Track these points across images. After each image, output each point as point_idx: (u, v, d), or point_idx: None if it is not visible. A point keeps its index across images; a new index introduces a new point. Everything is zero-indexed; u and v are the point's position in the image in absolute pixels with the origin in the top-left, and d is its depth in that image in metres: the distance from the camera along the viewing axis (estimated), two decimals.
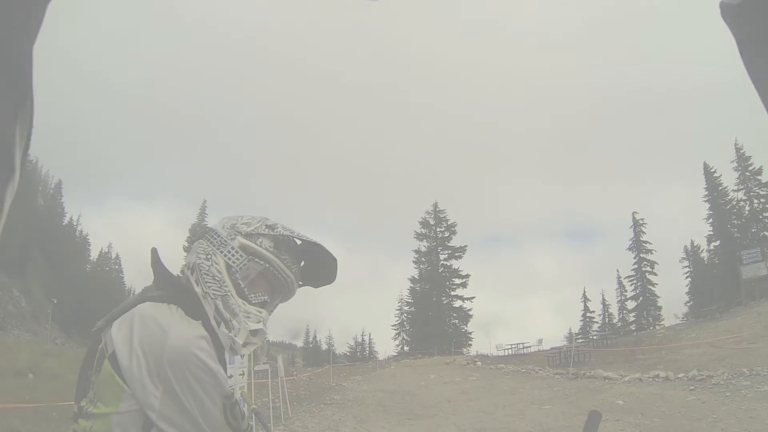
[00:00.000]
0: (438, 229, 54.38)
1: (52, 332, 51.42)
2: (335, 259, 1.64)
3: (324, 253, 1.61)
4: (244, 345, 1.38)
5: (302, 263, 1.59)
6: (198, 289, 1.36)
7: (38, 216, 60.54)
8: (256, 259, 1.45)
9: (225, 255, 1.41)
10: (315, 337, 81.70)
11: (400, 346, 54.35)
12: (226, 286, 1.38)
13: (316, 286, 1.71)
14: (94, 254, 69.91)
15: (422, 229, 54.73)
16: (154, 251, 1.43)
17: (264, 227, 1.48)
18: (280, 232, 1.52)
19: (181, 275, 1.43)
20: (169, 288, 1.36)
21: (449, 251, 53.81)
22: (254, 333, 1.40)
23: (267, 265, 1.46)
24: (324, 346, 77.87)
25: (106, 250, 71.56)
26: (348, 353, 68.76)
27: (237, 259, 1.42)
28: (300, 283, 1.61)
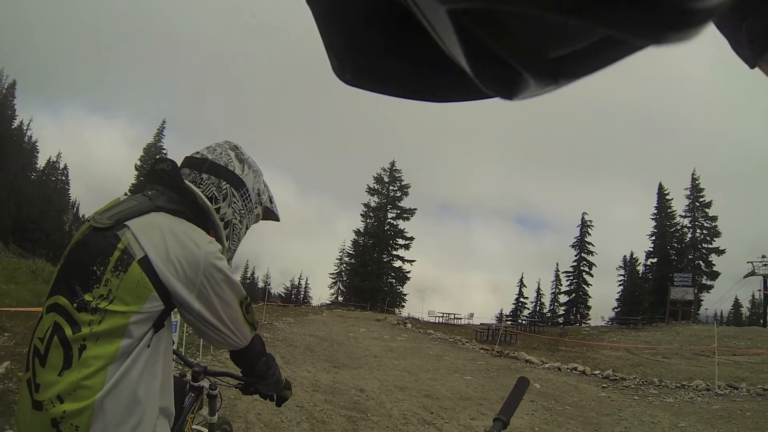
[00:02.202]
0: (391, 188, 54.28)
1: None
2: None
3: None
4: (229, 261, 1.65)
5: None
6: (226, 242, 1.63)
7: None
8: (257, 216, 1.79)
9: (249, 220, 1.71)
10: (253, 273, 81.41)
11: (335, 295, 54.90)
12: (237, 242, 1.72)
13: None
14: (41, 162, 66.56)
15: (375, 185, 54.54)
16: (173, 163, 1.53)
17: (268, 199, 1.81)
18: (273, 210, 1.87)
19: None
20: (186, 205, 1.48)
21: (398, 211, 53.98)
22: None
23: (257, 219, 1.80)
24: (261, 284, 77.75)
25: (55, 160, 67.78)
26: (283, 294, 69.11)
27: (253, 223, 1.76)
28: None
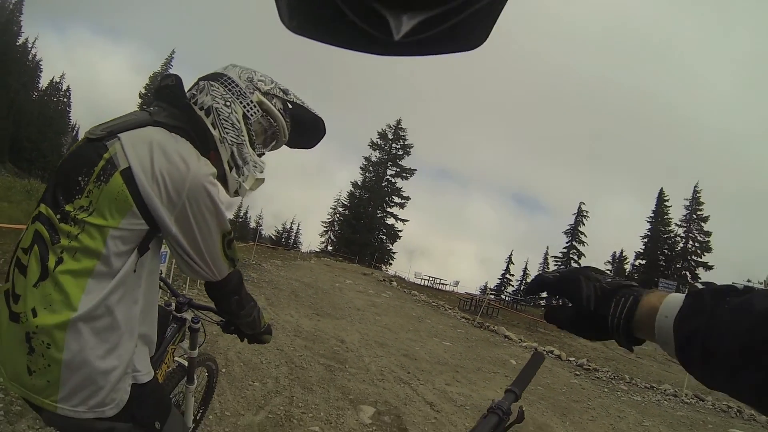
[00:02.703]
0: (394, 145, 54.05)
1: None
2: (324, 133, 1.82)
3: (320, 126, 1.79)
4: (249, 190, 1.55)
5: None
6: (215, 133, 1.43)
7: None
8: (269, 117, 1.59)
9: (243, 106, 1.49)
10: (246, 212, 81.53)
11: (325, 244, 55.42)
12: (243, 136, 1.49)
13: (291, 147, 1.85)
14: (43, 82, 65.16)
15: (378, 140, 54.37)
16: (178, 78, 1.43)
17: (279, 90, 1.60)
18: (292, 99, 1.64)
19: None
20: (186, 122, 1.39)
21: (398, 169, 53.92)
22: (256, 181, 1.57)
23: (275, 124, 1.61)
24: (252, 224, 78.00)
25: (58, 80, 66.51)
26: (273, 237, 69.48)
27: (254, 113, 1.52)
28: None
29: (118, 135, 1.27)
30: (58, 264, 1.19)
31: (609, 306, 0.76)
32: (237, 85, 1.50)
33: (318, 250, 50.08)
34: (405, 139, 54.46)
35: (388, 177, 54.23)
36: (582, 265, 0.91)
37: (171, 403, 1.56)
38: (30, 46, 61.62)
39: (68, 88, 67.18)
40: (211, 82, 1.48)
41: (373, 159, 54.72)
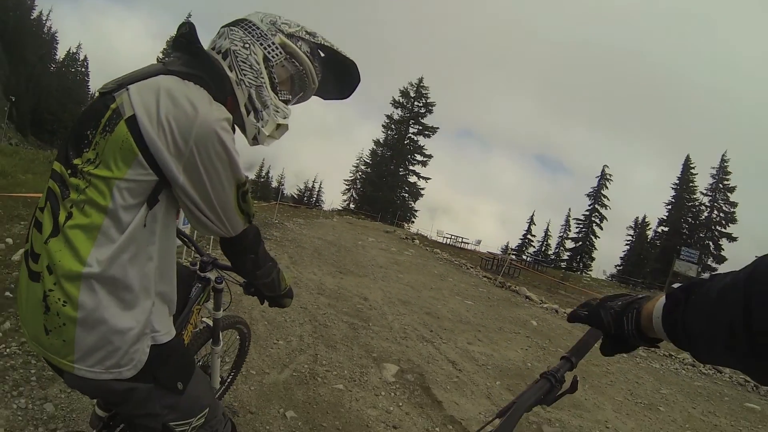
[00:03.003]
0: (416, 103, 53.59)
1: (7, 132, 48.52)
2: (359, 80, 1.72)
3: (353, 71, 1.68)
4: (269, 136, 1.45)
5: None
6: (232, 75, 1.36)
7: (3, 5, 54.36)
8: (294, 60, 1.49)
9: (264, 48, 1.41)
10: (268, 172, 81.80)
11: (347, 202, 55.77)
12: (262, 77, 1.41)
13: (325, 99, 1.77)
14: (60, 53, 65.00)
15: (401, 98, 54.10)
16: (191, 25, 1.35)
17: (305, 32, 1.50)
18: (320, 41, 1.54)
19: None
20: (200, 68, 1.30)
21: (420, 127, 53.61)
22: (278, 127, 1.47)
23: (301, 68, 1.51)
24: (274, 184, 78.32)
25: (74, 51, 66.57)
26: (295, 196, 69.97)
27: (276, 54, 1.43)
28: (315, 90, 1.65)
29: (128, 86, 1.22)
30: (67, 219, 1.18)
31: (622, 325, 0.97)
32: (258, 28, 1.43)
33: (340, 209, 50.41)
34: (427, 97, 54.04)
35: (410, 135, 54.03)
36: (603, 296, 1.12)
37: (195, 363, 1.54)
38: (44, 19, 61.64)
39: (85, 57, 67.78)
40: (232, 27, 1.43)
41: (395, 117, 54.60)
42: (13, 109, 51.14)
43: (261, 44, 1.41)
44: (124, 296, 1.20)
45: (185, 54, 1.34)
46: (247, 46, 1.39)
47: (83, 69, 67.14)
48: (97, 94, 1.31)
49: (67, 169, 1.21)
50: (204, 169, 1.20)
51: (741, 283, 0.67)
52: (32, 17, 59.46)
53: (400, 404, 4.29)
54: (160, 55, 50.42)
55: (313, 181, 75.35)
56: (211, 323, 2.47)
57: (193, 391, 1.43)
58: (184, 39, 1.35)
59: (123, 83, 1.23)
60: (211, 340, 2.49)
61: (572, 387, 1.13)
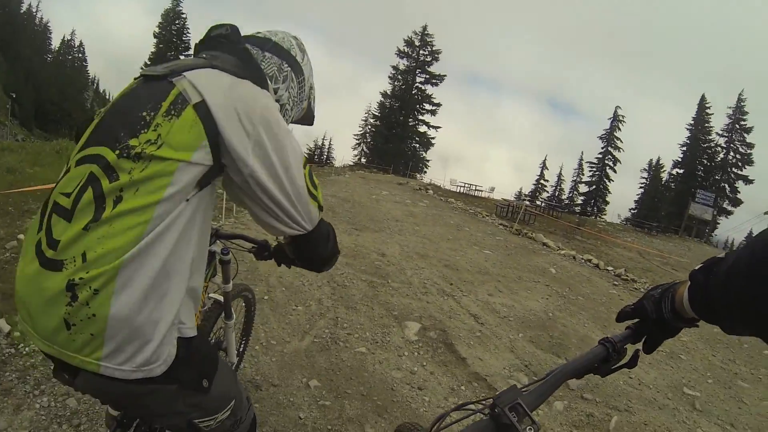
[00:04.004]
0: (421, 52, 52.42)
1: (12, 128, 48.08)
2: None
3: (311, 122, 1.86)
4: None
5: None
6: (273, 85, 1.48)
7: None
8: (308, 101, 1.69)
9: (296, 111, 1.63)
10: None
11: (358, 157, 55.63)
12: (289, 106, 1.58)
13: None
14: (55, 43, 63.77)
15: (406, 48, 53.11)
16: (234, 27, 1.37)
17: (313, 101, 1.72)
18: (313, 112, 1.78)
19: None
20: (243, 69, 1.30)
21: (427, 75, 52.69)
22: None
23: (308, 111, 1.73)
24: None
25: (69, 38, 65.56)
26: (306, 154, 69.66)
27: (293, 121, 1.68)
28: None
29: (183, 73, 1.18)
30: (116, 204, 1.08)
31: (661, 309, 0.99)
32: (304, 91, 1.61)
33: (352, 164, 50.23)
34: (432, 45, 52.88)
35: (417, 84, 53.23)
36: (650, 288, 1.10)
37: (218, 356, 1.42)
38: (35, 11, 60.60)
39: (81, 43, 67.26)
40: (293, 75, 1.53)
41: (402, 67, 53.60)
42: (15, 105, 51.15)
43: (302, 101, 1.62)
44: (161, 284, 1.12)
45: (226, 53, 1.33)
46: (296, 103, 1.58)
47: (80, 55, 66.75)
48: (138, 78, 1.28)
49: (115, 151, 1.12)
50: (273, 149, 1.18)
51: (743, 267, 0.71)
52: (22, 11, 58.58)
53: (424, 364, 4.25)
54: (156, 30, 49.50)
55: (323, 139, 74.72)
56: (220, 298, 2.36)
57: (218, 387, 1.35)
58: (225, 39, 1.35)
59: (175, 70, 1.20)
60: (222, 314, 2.40)
61: (632, 361, 1.07)
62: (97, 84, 68.42)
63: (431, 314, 5.47)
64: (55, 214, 1.14)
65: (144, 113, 1.14)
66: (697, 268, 0.86)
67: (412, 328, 4.95)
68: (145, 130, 1.12)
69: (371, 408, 3.39)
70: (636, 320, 1.10)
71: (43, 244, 1.12)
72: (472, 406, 0.99)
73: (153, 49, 48.37)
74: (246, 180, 1.18)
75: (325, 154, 72.20)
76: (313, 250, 1.38)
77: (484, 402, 0.95)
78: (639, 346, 1.08)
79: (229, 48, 1.33)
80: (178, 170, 1.10)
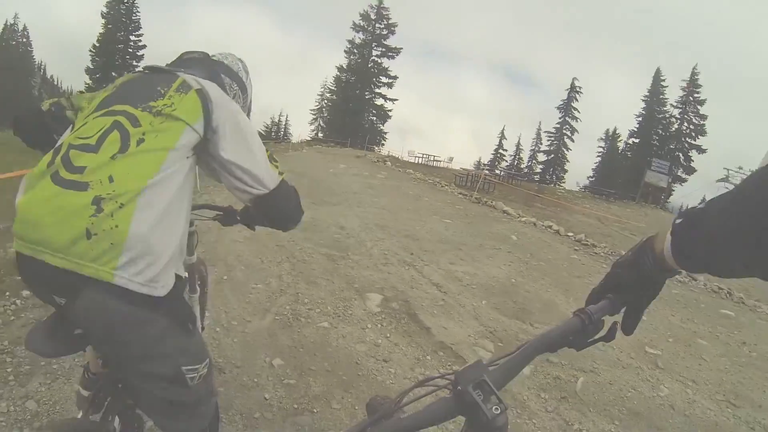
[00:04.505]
0: (377, 25, 51.89)
1: None
2: None
3: None
4: None
5: None
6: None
7: None
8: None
9: (244, 100, 1.90)
10: None
11: (315, 132, 55.24)
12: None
13: None
14: None
15: (361, 21, 52.26)
16: (205, 53, 1.80)
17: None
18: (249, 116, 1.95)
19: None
20: (219, 85, 1.62)
21: (383, 49, 52.25)
22: None
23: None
24: None
25: (12, 23, 61.44)
26: (263, 132, 68.41)
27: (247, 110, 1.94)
28: None
29: (179, 72, 1.52)
30: (139, 143, 1.31)
31: (642, 267, 0.94)
32: (248, 109, 1.93)
33: (309, 139, 49.61)
34: (389, 18, 52.46)
35: (373, 58, 52.90)
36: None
37: (194, 313, 1.61)
38: None
39: (25, 27, 63.33)
40: (240, 93, 1.86)
41: (357, 41, 52.84)
42: None
43: (243, 96, 1.89)
44: (169, 216, 1.31)
45: (202, 72, 1.64)
46: (234, 93, 1.82)
47: (24, 39, 63.25)
48: (142, 70, 1.59)
49: (138, 108, 1.38)
50: (242, 130, 1.48)
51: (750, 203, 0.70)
52: None
53: (388, 335, 4.17)
54: (105, 9, 46.82)
55: (279, 115, 73.27)
56: (184, 273, 2.23)
57: (198, 336, 1.53)
58: (199, 62, 1.73)
59: (173, 70, 1.55)
60: (187, 288, 2.30)
61: (609, 334, 0.98)
62: (44, 69, 64.90)
63: (393, 285, 5.39)
64: (73, 150, 1.30)
65: (159, 88, 1.44)
66: (677, 221, 0.84)
67: (374, 300, 4.85)
68: (162, 98, 1.41)
69: (337, 383, 3.29)
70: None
71: (62, 172, 1.26)
72: (436, 382, 0.90)
73: (101, 30, 45.98)
74: (220, 152, 1.43)
75: (282, 130, 70.97)
76: (277, 208, 1.60)
77: (448, 377, 0.88)
78: (616, 318, 1.01)
79: (201, 67, 1.67)
80: (185, 131, 1.38)
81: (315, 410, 2.97)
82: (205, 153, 1.45)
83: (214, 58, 1.81)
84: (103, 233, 1.20)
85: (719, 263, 0.78)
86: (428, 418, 0.84)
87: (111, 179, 1.24)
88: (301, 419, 2.88)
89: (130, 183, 1.25)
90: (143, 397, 1.46)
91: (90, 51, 45.43)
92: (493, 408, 0.79)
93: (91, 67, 45.03)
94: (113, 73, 40.77)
